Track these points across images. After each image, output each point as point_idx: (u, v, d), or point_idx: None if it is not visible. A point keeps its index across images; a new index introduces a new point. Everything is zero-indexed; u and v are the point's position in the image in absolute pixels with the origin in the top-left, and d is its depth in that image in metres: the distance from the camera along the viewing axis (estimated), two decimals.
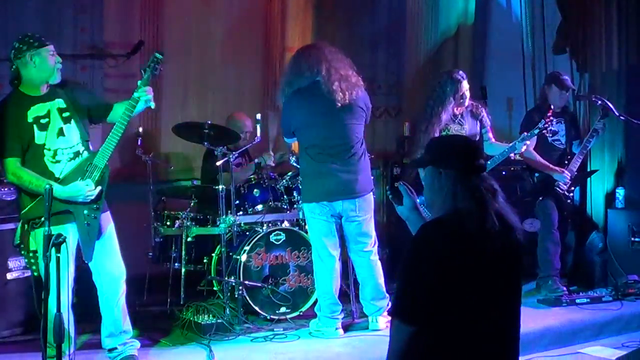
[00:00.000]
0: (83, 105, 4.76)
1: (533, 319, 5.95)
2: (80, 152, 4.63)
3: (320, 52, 5.41)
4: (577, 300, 6.34)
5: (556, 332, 5.86)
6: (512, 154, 6.32)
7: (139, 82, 4.73)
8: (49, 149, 4.55)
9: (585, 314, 6.17)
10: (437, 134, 5.98)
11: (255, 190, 6.19)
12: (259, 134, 6.04)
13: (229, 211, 5.87)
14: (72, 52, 6.65)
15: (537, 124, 6.33)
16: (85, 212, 4.54)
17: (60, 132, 4.59)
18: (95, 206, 4.57)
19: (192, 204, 6.19)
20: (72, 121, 4.65)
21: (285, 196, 6.23)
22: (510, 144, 6.17)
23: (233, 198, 5.91)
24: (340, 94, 5.30)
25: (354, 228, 5.49)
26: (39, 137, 4.54)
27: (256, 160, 6.50)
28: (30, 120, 4.53)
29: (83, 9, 6.79)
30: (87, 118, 4.79)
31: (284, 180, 6.27)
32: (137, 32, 7.00)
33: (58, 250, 3.74)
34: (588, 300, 6.37)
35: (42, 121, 4.56)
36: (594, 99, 6.72)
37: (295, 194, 6.25)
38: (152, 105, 4.77)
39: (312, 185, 5.44)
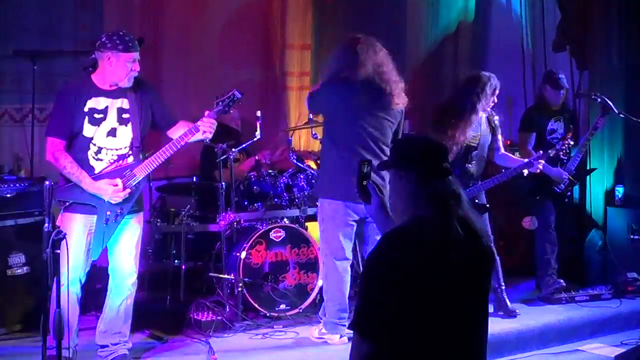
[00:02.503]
0: (150, 112, 4.75)
1: (532, 316, 5.98)
2: (126, 156, 4.64)
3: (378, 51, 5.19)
4: (576, 298, 6.36)
5: (555, 330, 5.88)
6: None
7: (206, 112, 4.72)
8: (95, 145, 4.57)
9: (584, 311, 6.19)
10: (463, 137, 5.74)
11: (255, 187, 6.20)
12: (259, 131, 6.03)
13: (229, 208, 5.87)
14: (73, 48, 6.65)
15: (535, 123, 6.34)
16: (108, 212, 4.55)
17: (112, 132, 4.59)
18: (118, 210, 4.58)
19: (192, 201, 6.19)
20: (130, 124, 4.64)
21: (285, 193, 6.23)
22: (526, 161, 5.93)
23: (233, 195, 5.91)
24: (393, 95, 5.16)
25: (372, 230, 5.21)
26: (88, 130, 4.55)
27: (257, 157, 6.51)
28: (85, 110, 4.54)
29: (83, 6, 6.80)
30: (149, 125, 4.79)
31: (284, 178, 6.27)
32: (137, 29, 6.98)
33: (58, 247, 3.74)
34: (587, 297, 6.39)
35: (96, 116, 4.56)
36: (593, 97, 6.71)
37: (295, 191, 6.25)
38: (204, 137, 4.76)
39: (341, 182, 5.02)
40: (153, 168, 4.69)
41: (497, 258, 5.89)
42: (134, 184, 4.61)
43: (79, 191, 4.53)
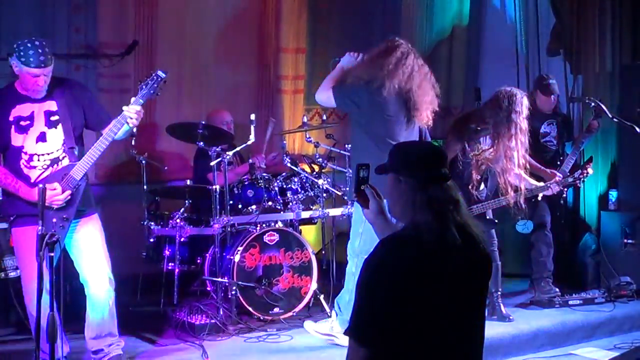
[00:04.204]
0: (81, 111, 4.61)
1: (526, 320, 5.98)
2: (60, 158, 4.51)
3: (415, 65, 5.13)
4: (570, 302, 6.36)
5: (549, 334, 5.88)
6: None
7: (132, 99, 4.54)
8: (26, 153, 4.45)
9: (577, 315, 6.18)
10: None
11: (249, 190, 6.19)
12: (252, 134, 6.02)
13: (223, 211, 5.87)
14: (66, 51, 6.65)
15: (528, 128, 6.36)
16: (54, 219, 4.40)
17: (42, 137, 4.47)
18: (64, 215, 4.46)
19: (185, 204, 6.19)
20: (60, 126, 4.50)
21: (279, 197, 6.23)
22: (542, 185, 5.93)
23: (227, 198, 5.91)
24: (419, 114, 5.12)
25: None
26: (16, 139, 4.44)
27: (250, 161, 6.50)
28: (11, 119, 4.42)
29: (77, 9, 6.79)
30: (82, 124, 4.65)
31: (278, 181, 6.27)
32: (131, 32, 6.99)
33: (52, 250, 3.73)
34: (581, 301, 6.39)
35: (22, 123, 4.44)
36: (587, 101, 6.73)
37: (289, 194, 6.25)
38: (131, 126, 4.55)
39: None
40: (89, 166, 4.52)
41: (499, 264, 5.92)
42: (73, 186, 4.48)
43: (21, 203, 4.41)
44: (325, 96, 5.19)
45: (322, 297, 5.94)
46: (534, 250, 6.55)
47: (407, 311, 2.57)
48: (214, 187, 5.82)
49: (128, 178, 6.71)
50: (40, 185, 3.91)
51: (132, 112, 4.50)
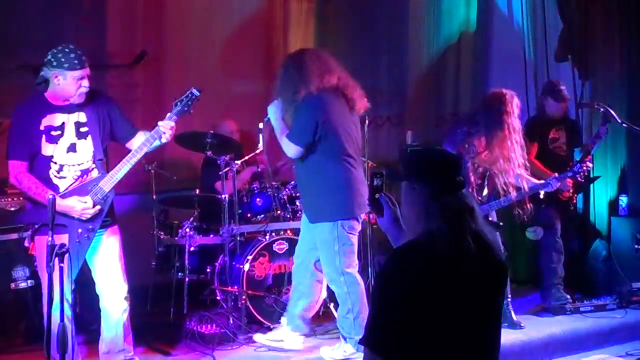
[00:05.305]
0: (108, 123, 4.65)
1: (537, 327, 5.97)
2: (90, 170, 4.55)
3: (328, 59, 5.12)
4: (581, 309, 6.34)
5: (560, 341, 5.86)
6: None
7: (167, 114, 4.63)
8: (55, 163, 4.48)
9: (589, 322, 6.17)
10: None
11: (258, 199, 6.19)
12: (261, 143, 6.02)
13: (232, 220, 5.87)
14: None
15: (537, 133, 6.35)
16: (79, 230, 4.44)
17: (72, 148, 4.50)
18: (90, 226, 4.48)
19: (195, 213, 6.19)
20: (89, 137, 4.54)
21: (288, 205, 6.22)
22: (543, 182, 5.89)
23: (236, 207, 5.91)
24: (359, 102, 5.12)
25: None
26: (46, 148, 4.46)
27: (257, 169, 6.50)
28: (42, 128, 4.44)
29: (85, 19, 6.80)
30: (109, 137, 4.69)
31: (287, 189, 6.27)
32: (139, 42, 7.01)
33: (62, 260, 3.73)
34: (592, 308, 6.38)
35: (53, 133, 4.46)
36: (596, 106, 6.71)
37: (297, 202, 6.25)
38: (164, 141, 4.66)
39: (354, 197, 4.98)
40: (119, 179, 4.55)
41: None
42: (101, 197, 4.49)
43: (47, 212, 4.35)
44: (293, 148, 5.02)
45: (332, 305, 5.92)
46: (545, 256, 6.51)
47: (421, 319, 2.56)
48: (223, 196, 5.83)
49: (137, 188, 6.70)
50: (50, 196, 3.91)
51: (167, 127, 4.59)
